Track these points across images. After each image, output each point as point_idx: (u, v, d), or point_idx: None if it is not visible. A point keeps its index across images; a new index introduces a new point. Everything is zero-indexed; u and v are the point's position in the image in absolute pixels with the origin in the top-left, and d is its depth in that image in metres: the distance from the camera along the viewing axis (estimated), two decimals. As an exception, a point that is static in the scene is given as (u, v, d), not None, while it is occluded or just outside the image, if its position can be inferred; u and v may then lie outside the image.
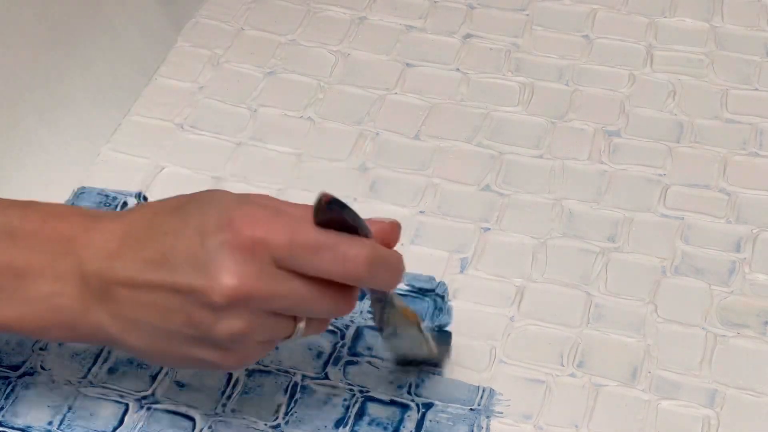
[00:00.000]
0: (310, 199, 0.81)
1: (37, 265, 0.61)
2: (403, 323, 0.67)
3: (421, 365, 0.71)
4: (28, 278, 0.61)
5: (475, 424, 0.69)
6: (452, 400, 0.69)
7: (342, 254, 0.59)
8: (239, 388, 0.70)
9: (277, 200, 0.62)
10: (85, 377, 0.70)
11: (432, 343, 0.69)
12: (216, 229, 0.59)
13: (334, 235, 0.60)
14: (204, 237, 0.59)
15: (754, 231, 0.79)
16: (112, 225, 0.62)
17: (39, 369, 0.71)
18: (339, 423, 0.68)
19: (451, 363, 0.71)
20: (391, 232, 0.63)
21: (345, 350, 0.72)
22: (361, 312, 0.74)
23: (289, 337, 0.62)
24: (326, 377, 0.71)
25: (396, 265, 0.63)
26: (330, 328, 0.73)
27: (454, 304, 0.75)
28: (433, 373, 0.70)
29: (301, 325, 0.62)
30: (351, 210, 0.60)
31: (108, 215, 0.63)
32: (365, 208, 0.80)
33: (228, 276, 0.58)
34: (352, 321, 0.73)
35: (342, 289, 0.61)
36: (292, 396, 0.70)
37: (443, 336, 0.71)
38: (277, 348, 0.71)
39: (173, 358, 0.62)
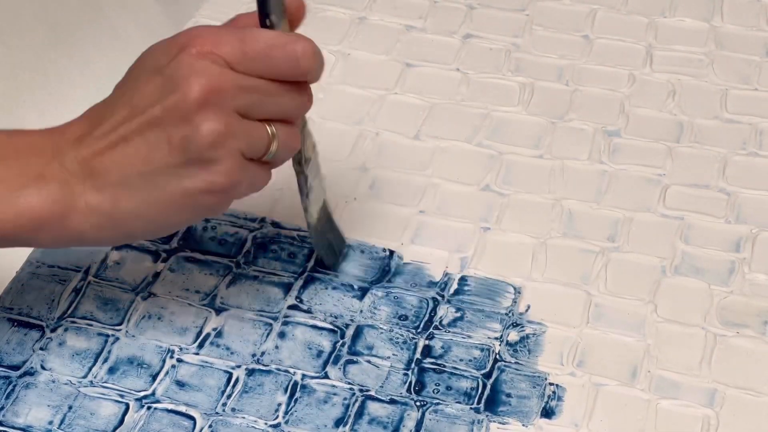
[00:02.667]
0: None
1: (13, 169, 0.63)
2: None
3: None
4: (8, 182, 0.63)
5: (475, 423, 0.69)
6: (453, 397, 0.70)
7: (291, 51, 0.64)
8: (239, 387, 0.70)
9: (215, 26, 0.66)
10: (85, 377, 0.70)
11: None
12: (169, 58, 0.62)
13: (281, 35, 0.64)
14: (161, 69, 0.62)
15: (754, 231, 0.79)
16: (72, 122, 0.65)
17: (39, 369, 0.71)
18: (339, 422, 0.68)
19: (452, 363, 0.71)
20: (298, 5, 0.68)
21: (345, 349, 0.72)
22: (361, 311, 0.74)
23: (268, 150, 0.65)
24: (326, 376, 0.71)
25: (321, 54, 0.67)
26: (330, 327, 0.73)
27: (454, 303, 0.75)
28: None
29: (273, 130, 0.65)
30: None
31: (66, 123, 0.66)
32: (365, 208, 0.80)
33: (193, 78, 0.61)
34: (352, 320, 0.73)
35: (297, 85, 0.66)
36: (292, 395, 0.70)
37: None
38: (277, 346, 0.72)
39: (168, 206, 0.64)
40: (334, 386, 0.70)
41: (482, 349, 0.72)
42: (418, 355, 0.72)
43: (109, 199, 0.63)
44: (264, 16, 0.65)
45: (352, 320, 0.73)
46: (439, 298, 0.75)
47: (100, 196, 0.63)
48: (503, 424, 0.69)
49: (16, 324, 0.73)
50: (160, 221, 0.65)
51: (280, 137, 0.65)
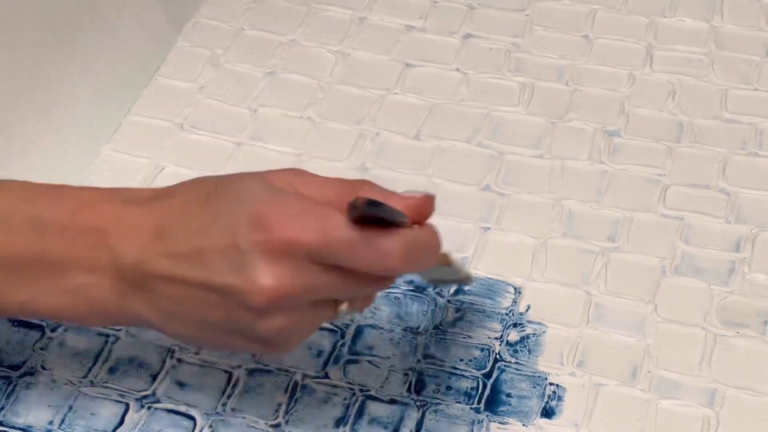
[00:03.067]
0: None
1: (70, 257, 0.61)
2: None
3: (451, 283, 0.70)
4: (61, 270, 0.61)
5: (475, 423, 0.69)
6: (453, 397, 0.70)
7: (376, 249, 0.59)
8: (240, 387, 0.70)
9: (307, 177, 0.62)
10: (85, 377, 0.70)
11: (464, 270, 0.69)
12: (248, 229, 0.58)
13: (368, 231, 0.59)
14: (236, 236, 0.58)
15: (754, 231, 0.79)
16: (143, 215, 0.61)
17: (40, 369, 0.71)
18: (339, 422, 0.68)
19: (452, 363, 0.71)
20: (424, 206, 0.63)
21: (345, 349, 0.72)
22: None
23: (333, 318, 0.62)
24: (326, 376, 0.71)
25: (432, 247, 0.62)
26: (330, 327, 0.73)
27: (454, 303, 0.75)
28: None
29: (344, 306, 0.62)
30: (384, 206, 0.59)
31: (139, 199, 0.62)
32: (365, 208, 0.80)
33: (265, 278, 0.58)
34: (352, 320, 0.73)
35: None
36: (292, 395, 0.70)
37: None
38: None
39: (215, 346, 0.63)
40: (334, 386, 0.70)
41: (482, 349, 0.72)
42: (418, 356, 0.72)
43: (158, 318, 0.61)
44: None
45: (352, 320, 0.73)
46: (439, 298, 0.75)
47: (149, 312, 0.61)
48: (503, 424, 0.69)
49: (16, 324, 0.73)
50: (207, 348, 0.65)
51: (350, 307, 0.62)
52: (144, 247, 0.60)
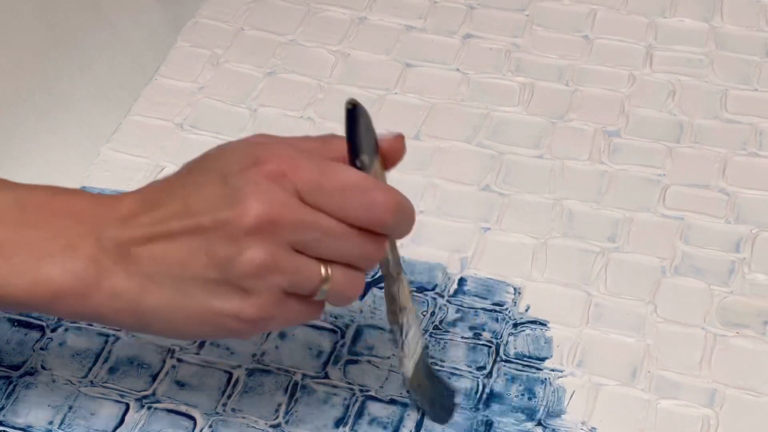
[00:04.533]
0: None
1: (45, 234, 0.60)
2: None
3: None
4: (36, 247, 0.59)
5: (475, 423, 0.69)
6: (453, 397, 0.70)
7: (370, 198, 0.59)
8: (239, 387, 0.70)
9: (301, 139, 0.62)
10: (85, 377, 0.70)
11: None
12: (239, 169, 0.58)
13: (366, 179, 0.59)
14: (227, 177, 0.58)
15: (754, 231, 0.79)
16: (125, 197, 0.61)
17: (40, 368, 0.71)
18: (339, 422, 0.68)
19: (452, 363, 0.71)
20: (397, 143, 0.63)
21: (345, 349, 0.72)
22: (361, 311, 0.74)
23: (314, 293, 0.60)
24: (326, 376, 0.71)
25: (413, 213, 0.62)
26: (330, 327, 0.73)
27: (455, 303, 0.75)
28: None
29: (326, 286, 0.60)
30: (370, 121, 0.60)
31: (118, 195, 0.62)
32: (365, 208, 0.80)
33: (255, 201, 0.57)
34: (352, 320, 0.73)
35: (369, 233, 0.60)
36: (292, 395, 0.70)
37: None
38: (277, 348, 0.72)
39: (192, 317, 0.60)
40: (334, 386, 0.70)
41: (482, 350, 0.72)
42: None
43: (135, 289, 0.59)
44: (353, 155, 0.60)
45: (352, 320, 0.73)
46: (438, 298, 0.75)
47: (127, 283, 0.59)
48: (504, 424, 0.69)
49: (16, 324, 0.73)
50: (181, 328, 0.61)
51: (335, 281, 0.60)
52: (125, 218, 0.60)
